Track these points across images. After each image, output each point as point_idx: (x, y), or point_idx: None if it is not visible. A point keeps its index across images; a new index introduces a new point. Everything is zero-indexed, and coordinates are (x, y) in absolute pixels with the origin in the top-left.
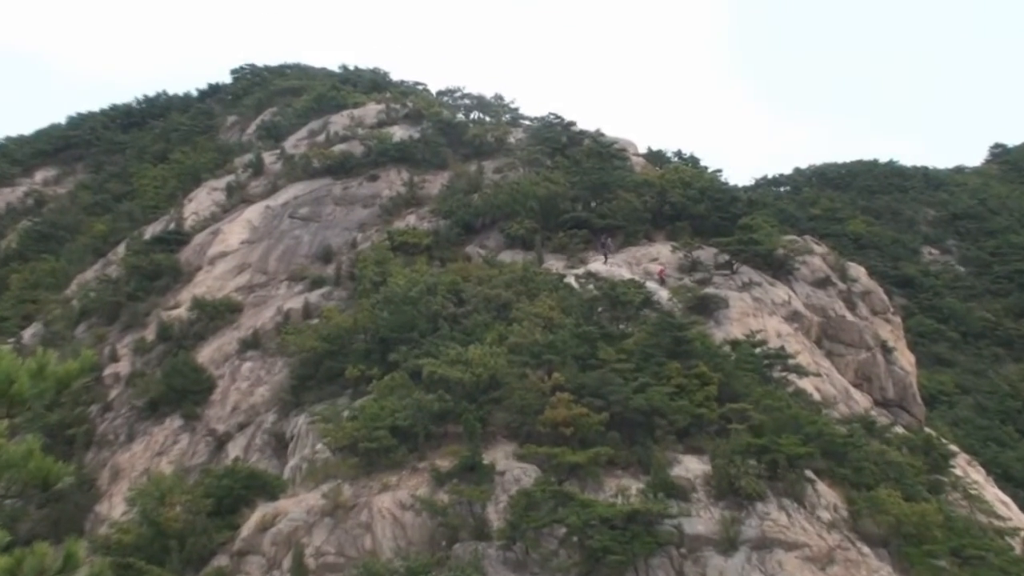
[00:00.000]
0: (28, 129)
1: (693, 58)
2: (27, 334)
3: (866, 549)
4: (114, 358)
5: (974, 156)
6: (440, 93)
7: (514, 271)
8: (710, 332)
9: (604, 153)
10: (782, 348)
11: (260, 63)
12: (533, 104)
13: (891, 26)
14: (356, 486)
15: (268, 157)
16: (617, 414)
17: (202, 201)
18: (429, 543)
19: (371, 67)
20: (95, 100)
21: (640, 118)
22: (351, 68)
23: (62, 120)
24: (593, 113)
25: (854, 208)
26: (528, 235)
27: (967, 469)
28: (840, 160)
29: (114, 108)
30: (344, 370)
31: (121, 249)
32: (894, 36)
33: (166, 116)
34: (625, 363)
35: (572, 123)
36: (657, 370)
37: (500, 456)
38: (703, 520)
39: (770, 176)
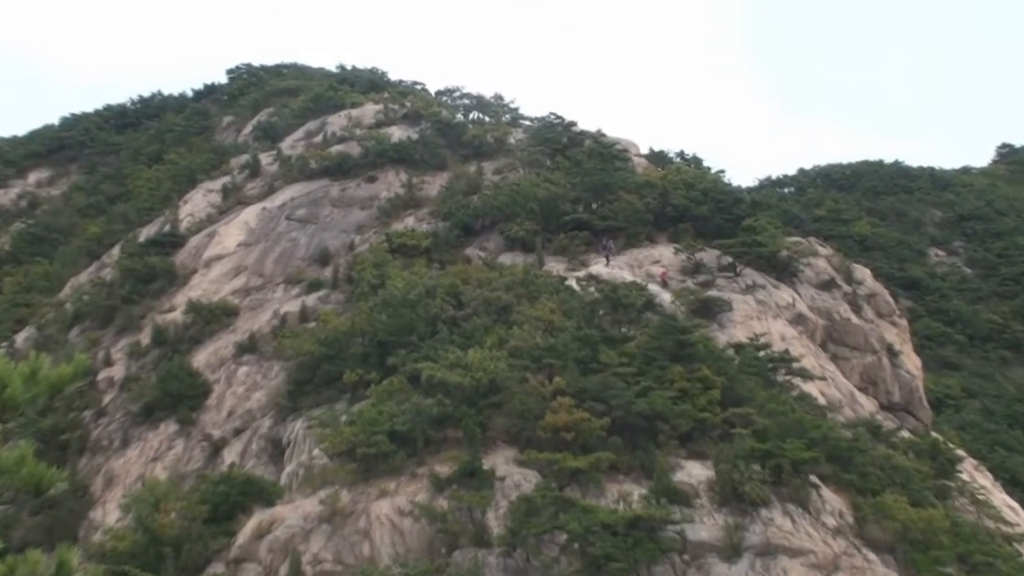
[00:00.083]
0: (21, 130)
1: (695, 58)
2: (20, 338)
3: (872, 555)
4: (108, 362)
5: (981, 156)
6: (439, 93)
7: (514, 273)
8: (713, 335)
9: (605, 154)
10: (786, 351)
11: (256, 63)
12: (533, 104)
13: (895, 25)
14: (354, 492)
15: (264, 158)
16: (619, 419)
17: (197, 203)
18: (428, 550)
19: (369, 67)
20: (89, 100)
21: (642, 118)
22: (348, 68)
23: (55, 121)
24: (594, 113)
25: (859, 209)
26: (528, 237)
27: (974, 474)
28: (845, 160)
29: (108, 108)
30: (342, 374)
31: (115, 251)
32: (899, 35)
33: (161, 117)
34: (627, 367)
35: (573, 123)
36: (659, 374)
37: (500, 461)
38: (706, 526)
39: (774, 177)
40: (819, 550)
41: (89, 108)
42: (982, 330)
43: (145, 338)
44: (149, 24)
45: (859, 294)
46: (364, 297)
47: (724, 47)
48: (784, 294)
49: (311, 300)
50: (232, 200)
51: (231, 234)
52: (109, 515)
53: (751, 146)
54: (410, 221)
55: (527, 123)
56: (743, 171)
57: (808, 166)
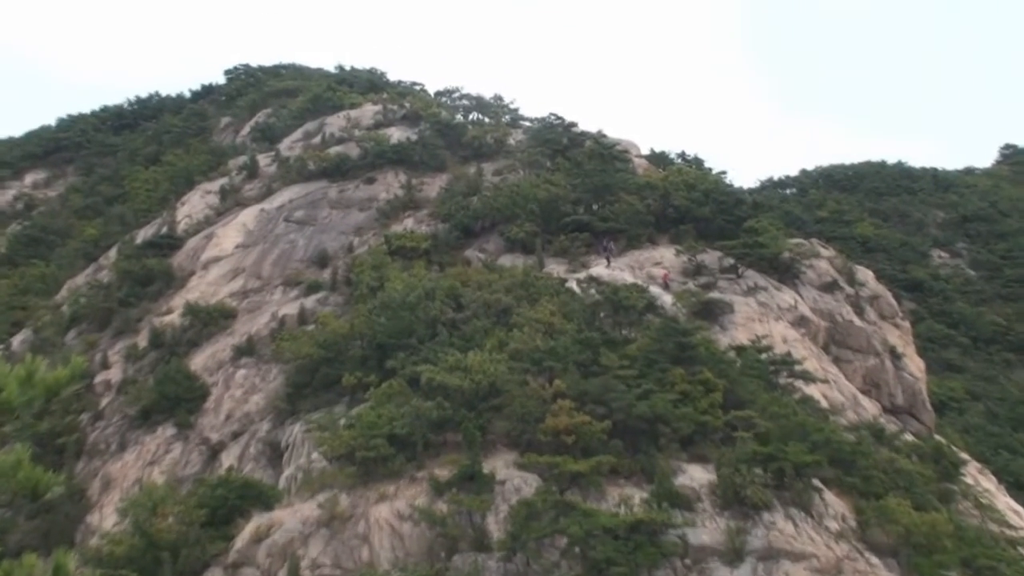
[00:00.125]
0: (17, 131)
1: (696, 58)
2: (16, 341)
3: (875, 560)
4: (105, 365)
5: (984, 157)
6: (438, 94)
7: (514, 275)
8: (715, 337)
9: (606, 155)
10: (788, 354)
11: (254, 63)
12: (533, 105)
13: (898, 24)
14: (353, 496)
15: (263, 159)
16: (620, 422)
17: (195, 204)
18: (428, 554)
19: (368, 67)
20: (86, 101)
21: (642, 119)
22: (347, 68)
23: (52, 122)
24: (595, 114)
25: (862, 210)
26: (528, 239)
27: (978, 477)
28: (847, 161)
29: (105, 109)
30: (340, 377)
31: (112, 254)
32: (901, 35)
33: (158, 118)
34: (628, 369)
35: (573, 124)
36: (661, 376)
37: (500, 465)
38: (708, 530)
39: (776, 178)
40: (821, 554)
41: (86, 109)
42: (985, 332)
43: (142, 341)
44: (146, 25)
45: (862, 296)
46: (363, 299)
47: (724, 47)
48: (786, 296)
49: (310, 302)
50: (230, 202)
51: (229, 236)
52: (106, 519)
53: (752, 146)
54: (409, 223)
55: (527, 124)
56: (744, 171)
57: (810, 167)
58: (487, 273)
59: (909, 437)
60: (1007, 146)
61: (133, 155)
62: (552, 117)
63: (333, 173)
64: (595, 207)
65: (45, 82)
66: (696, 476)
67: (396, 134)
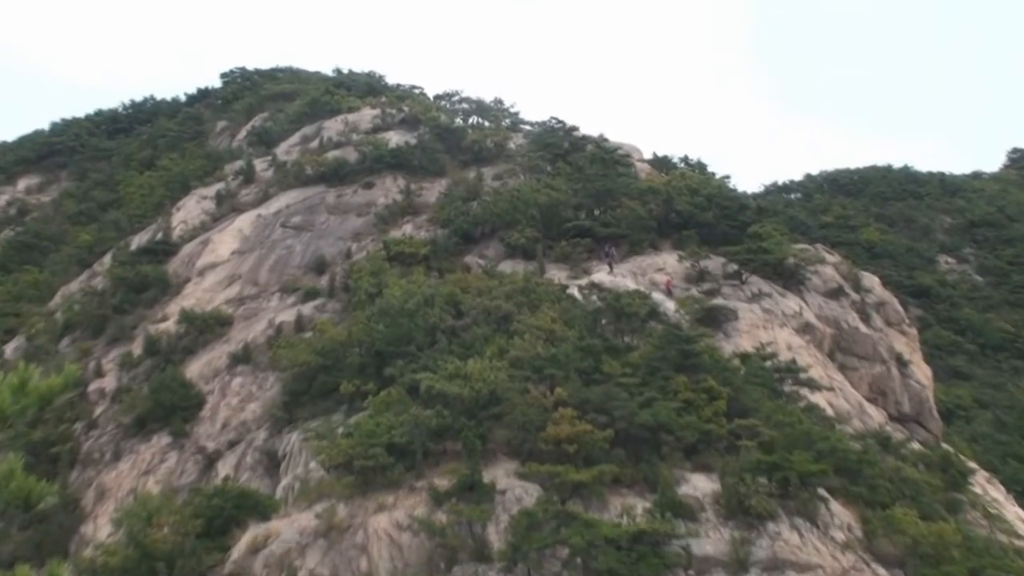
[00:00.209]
0: (10, 135)
1: (699, 61)
2: (9, 348)
3: (881, 570)
4: (99, 373)
5: (992, 161)
6: (438, 97)
7: (515, 282)
8: (719, 345)
9: (608, 159)
10: (793, 361)
11: (251, 67)
12: (534, 108)
13: (905, 26)
14: (351, 506)
15: (259, 164)
16: (622, 430)
17: (191, 210)
18: (427, 565)
19: (366, 70)
20: (80, 105)
21: (645, 123)
22: (345, 71)
23: (45, 126)
24: (596, 118)
25: (867, 215)
26: (529, 244)
27: (986, 487)
28: (853, 166)
29: (99, 113)
30: (338, 385)
31: (107, 260)
32: (908, 37)
33: (153, 122)
34: (630, 377)
35: (574, 128)
36: (664, 384)
37: (501, 474)
38: (712, 541)
39: (780, 183)
40: (827, 565)
41: (80, 112)
42: (993, 339)
43: (137, 348)
44: (141, 27)
45: (867, 302)
46: (361, 306)
47: (729, 50)
48: (791, 302)
49: (307, 309)
50: (226, 207)
51: (225, 242)
52: (100, 530)
53: (754, 147)
54: (408, 228)
55: (528, 128)
56: (746, 172)
57: (815, 171)
58: (487, 279)
59: (916, 446)
60: (1015, 150)
61: (128, 160)
62: (553, 121)
63: (331, 178)
64: (597, 212)
65: (37, 85)
66: (700, 486)
67: (395, 138)
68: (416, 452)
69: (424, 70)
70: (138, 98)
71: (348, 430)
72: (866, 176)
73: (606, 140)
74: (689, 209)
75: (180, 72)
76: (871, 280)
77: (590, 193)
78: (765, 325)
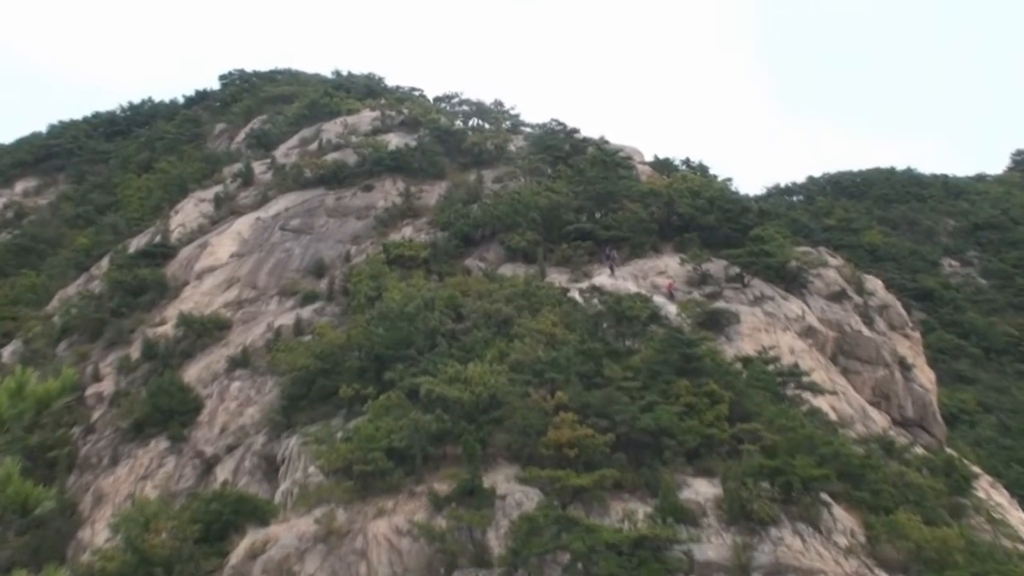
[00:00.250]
0: (7, 138)
1: (701, 61)
2: (6, 352)
3: None
4: (97, 377)
5: (996, 163)
6: (437, 99)
7: (515, 285)
8: (720, 348)
9: (609, 161)
10: (796, 365)
11: (250, 68)
12: (534, 110)
13: (908, 27)
14: (350, 511)
15: (258, 167)
16: (623, 435)
17: (189, 213)
18: (427, 570)
19: (365, 72)
20: (77, 107)
21: (646, 124)
22: (344, 73)
23: (43, 128)
24: (597, 120)
25: (870, 218)
26: (530, 247)
27: (990, 491)
28: (855, 168)
29: (97, 116)
30: (337, 389)
31: (104, 263)
32: (912, 38)
33: (151, 124)
34: (632, 381)
35: (575, 130)
36: (665, 388)
37: (501, 479)
38: (714, 546)
39: (782, 185)
40: (830, 570)
41: (77, 115)
42: (998, 343)
43: (135, 352)
44: (139, 29)
45: (871, 306)
46: (360, 310)
47: (731, 51)
48: (793, 306)
49: (306, 313)
50: (224, 210)
51: (223, 245)
52: (98, 535)
53: (756, 148)
54: (408, 231)
55: (528, 130)
56: (748, 172)
57: (817, 174)
58: (487, 283)
59: (919, 450)
60: (1019, 152)
61: (125, 162)
62: (554, 123)
63: (330, 180)
64: (598, 215)
65: (34, 87)
66: (701, 490)
67: (394, 140)
68: (416, 457)
69: (424, 72)
70: (136, 100)
71: (347, 434)
72: (869, 178)
73: (607, 142)
74: (691, 212)
75: (178, 74)
76: (874, 283)
77: (591, 196)
78: (767, 328)
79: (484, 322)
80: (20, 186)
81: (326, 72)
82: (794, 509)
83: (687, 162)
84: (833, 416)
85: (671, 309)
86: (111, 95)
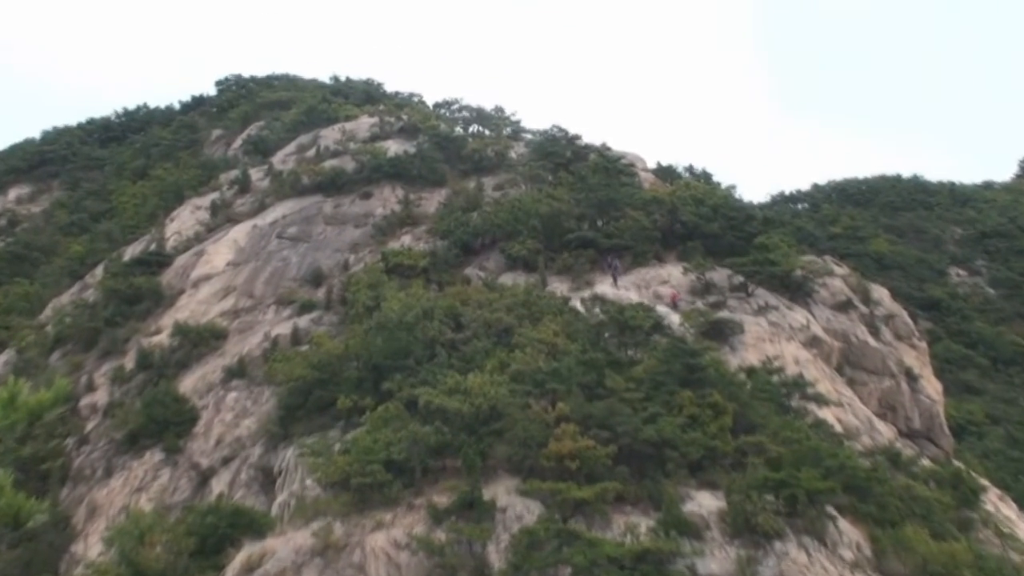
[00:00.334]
0: (0, 144)
1: (704, 68)
2: None
3: None
4: (91, 388)
5: (1003, 171)
6: (437, 105)
7: (516, 294)
8: (724, 359)
9: (611, 168)
10: (801, 376)
11: (247, 74)
12: (535, 117)
13: (914, 33)
14: (348, 524)
15: (255, 173)
16: (626, 446)
17: (185, 220)
18: None
19: (364, 78)
20: (72, 113)
21: (648, 129)
22: (343, 79)
23: (36, 134)
24: (598, 124)
25: (876, 226)
26: (531, 256)
27: (999, 504)
28: (861, 175)
29: (92, 122)
30: (335, 400)
31: (99, 271)
32: (917, 45)
33: (147, 130)
34: (634, 392)
35: (577, 137)
36: (668, 399)
37: (501, 492)
38: (717, 560)
39: (787, 192)
40: None
41: (72, 120)
42: (1006, 353)
43: (129, 362)
44: (135, 34)
45: (877, 315)
46: (359, 319)
47: (735, 58)
48: (798, 315)
49: (303, 322)
50: (221, 217)
51: (220, 253)
52: (91, 548)
53: (762, 155)
54: (407, 239)
55: (529, 136)
56: (754, 178)
57: (823, 181)
58: (487, 292)
59: (926, 462)
60: None
61: (120, 169)
62: (555, 129)
63: (328, 188)
64: (600, 223)
65: (28, 93)
66: (705, 503)
67: (393, 147)
68: (415, 469)
69: (423, 77)
70: (131, 106)
71: (345, 446)
72: (875, 186)
73: (609, 149)
74: (694, 220)
75: (174, 80)
76: (880, 292)
77: (593, 203)
78: (772, 338)
79: (484, 332)
80: (13, 193)
81: (324, 77)
82: (799, 522)
83: (690, 169)
84: (839, 428)
85: (674, 319)
86: (106, 101)
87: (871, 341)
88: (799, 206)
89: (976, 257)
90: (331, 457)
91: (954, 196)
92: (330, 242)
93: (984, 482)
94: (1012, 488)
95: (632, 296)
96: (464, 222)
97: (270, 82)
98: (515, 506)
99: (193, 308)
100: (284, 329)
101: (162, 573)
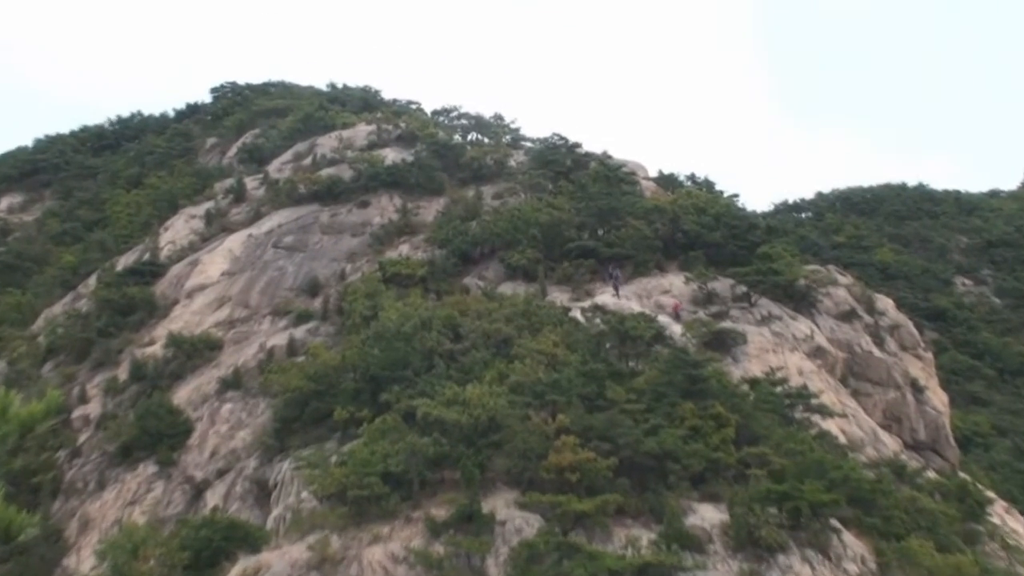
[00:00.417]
0: None
1: (704, 69)
2: None
3: None
4: (83, 399)
5: (1010, 179)
6: (435, 113)
7: (515, 304)
8: (727, 369)
9: (612, 177)
10: (804, 387)
11: (242, 81)
12: (535, 124)
13: (918, 41)
14: (345, 537)
15: (250, 182)
16: (627, 459)
17: (179, 229)
18: None
19: (361, 85)
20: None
21: (649, 134)
22: (340, 86)
23: (28, 142)
24: (599, 126)
25: (881, 235)
26: (530, 265)
27: (1005, 517)
28: (866, 184)
29: (85, 130)
30: (332, 412)
31: (92, 281)
32: (919, 47)
33: (141, 138)
34: (635, 403)
35: (577, 144)
36: (670, 411)
37: (500, 504)
38: (720, 573)
39: (791, 201)
40: None
41: (64, 128)
42: (1012, 364)
43: (123, 373)
44: (129, 40)
45: (881, 325)
46: (356, 329)
47: (738, 64)
48: (802, 326)
49: (299, 333)
50: (216, 227)
51: (215, 263)
52: (84, 562)
53: (766, 168)
54: (405, 249)
55: (529, 144)
56: (758, 195)
57: (826, 189)
58: (486, 302)
59: (932, 475)
60: None
61: (114, 178)
62: (555, 137)
63: (324, 196)
64: (600, 232)
65: (20, 100)
66: (707, 516)
67: (391, 155)
68: (412, 481)
69: (421, 85)
70: (125, 113)
71: (342, 458)
72: (879, 194)
73: (610, 157)
74: (696, 229)
75: (169, 87)
76: (885, 302)
77: (593, 212)
78: (775, 349)
79: (483, 342)
80: (5, 202)
81: (321, 85)
82: (803, 535)
83: (692, 178)
84: (843, 439)
85: (676, 329)
86: (99, 108)
87: (876, 352)
88: (802, 215)
89: (982, 267)
90: (327, 469)
91: (960, 205)
92: (327, 251)
93: (990, 494)
94: (1019, 501)
95: (633, 306)
96: (463, 231)
97: (266, 89)
98: (514, 519)
99: (187, 318)
100: (280, 340)
101: None
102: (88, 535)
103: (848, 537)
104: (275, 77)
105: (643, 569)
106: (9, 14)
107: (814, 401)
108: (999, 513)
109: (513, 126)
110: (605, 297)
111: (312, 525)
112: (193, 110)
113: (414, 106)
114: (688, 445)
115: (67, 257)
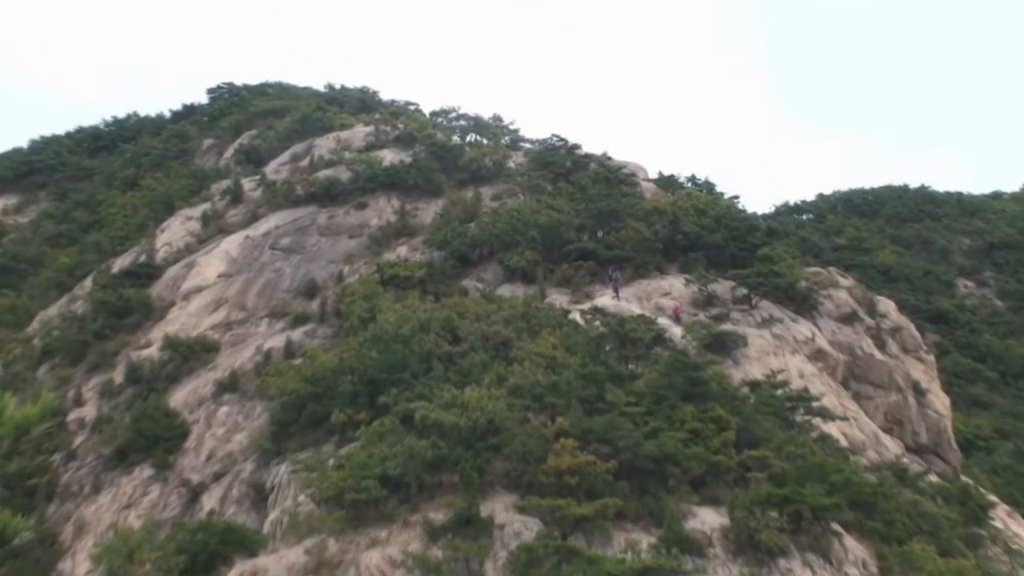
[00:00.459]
0: None
1: (704, 70)
2: None
3: None
4: (79, 402)
5: (1012, 181)
6: (434, 114)
7: (514, 306)
8: (727, 372)
9: (611, 178)
10: (805, 389)
11: (239, 82)
12: (534, 125)
13: (917, 38)
14: (342, 541)
15: (247, 183)
16: (626, 462)
17: (175, 231)
18: None
19: (359, 86)
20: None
21: (649, 135)
22: (337, 87)
23: (23, 143)
24: (598, 126)
25: (883, 237)
26: (529, 267)
27: (1007, 521)
28: (867, 185)
29: (81, 131)
30: (329, 414)
31: (87, 283)
32: (920, 48)
33: (137, 139)
34: (635, 406)
35: (577, 146)
36: (670, 414)
37: (499, 508)
38: None
39: (792, 203)
40: None
41: (60, 129)
42: (1015, 366)
43: (118, 376)
44: (125, 41)
45: (883, 328)
46: (353, 332)
47: (738, 65)
48: (803, 328)
49: (297, 335)
50: (212, 228)
51: (211, 264)
52: (79, 566)
53: (767, 170)
54: (403, 250)
55: (528, 146)
56: (759, 197)
57: (828, 191)
58: (485, 304)
59: (934, 478)
60: None
61: (110, 179)
62: (554, 138)
63: (322, 198)
64: (600, 234)
65: (15, 100)
66: (708, 520)
67: (389, 156)
68: (410, 485)
69: (420, 85)
70: (121, 114)
71: (339, 462)
72: (881, 196)
73: (610, 158)
74: (696, 231)
75: (165, 88)
76: (887, 305)
77: (593, 214)
78: (776, 351)
79: (482, 345)
80: (0, 203)
81: (318, 86)
82: (804, 539)
83: (692, 179)
84: (844, 443)
85: (676, 331)
86: (95, 109)
87: (877, 354)
88: (804, 217)
89: (984, 269)
90: (325, 473)
91: (962, 206)
92: (324, 253)
93: (992, 498)
94: (1021, 504)
95: (633, 308)
96: (461, 233)
97: (263, 90)
98: (513, 523)
99: (184, 321)
100: (277, 342)
101: None
102: (83, 539)
103: (849, 541)
104: (272, 78)
105: (643, 573)
106: (8, 14)
107: (815, 404)
108: (1001, 517)
109: (512, 127)
110: (605, 299)
111: (309, 529)
112: (190, 111)
113: (412, 107)
114: (688, 448)
115: (63, 259)
